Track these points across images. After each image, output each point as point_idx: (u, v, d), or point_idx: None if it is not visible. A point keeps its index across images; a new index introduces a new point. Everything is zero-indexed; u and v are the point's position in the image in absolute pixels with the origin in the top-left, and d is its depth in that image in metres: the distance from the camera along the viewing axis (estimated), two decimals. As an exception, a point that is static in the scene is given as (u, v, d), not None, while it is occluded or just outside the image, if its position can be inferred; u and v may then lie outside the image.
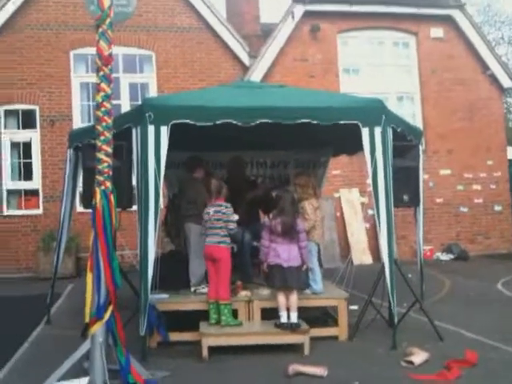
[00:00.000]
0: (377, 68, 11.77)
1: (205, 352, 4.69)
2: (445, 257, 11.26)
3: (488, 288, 7.91)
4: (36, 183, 10.78)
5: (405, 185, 5.51)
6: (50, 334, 5.72)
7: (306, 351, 4.76)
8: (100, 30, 4.20)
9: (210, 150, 7.07)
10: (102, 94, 4.20)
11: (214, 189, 5.25)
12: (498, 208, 11.97)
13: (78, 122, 10.74)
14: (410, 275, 6.54)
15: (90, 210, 4.25)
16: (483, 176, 11.90)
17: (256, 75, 10.94)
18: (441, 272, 9.37)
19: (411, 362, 4.46)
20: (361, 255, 10.79)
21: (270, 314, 5.16)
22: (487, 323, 5.75)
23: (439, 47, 11.93)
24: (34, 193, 10.78)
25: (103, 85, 4.19)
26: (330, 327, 5.43)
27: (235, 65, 11.38)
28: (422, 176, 6.26)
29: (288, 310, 4.98)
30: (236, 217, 5.21)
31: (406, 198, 5.59)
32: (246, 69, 11.24)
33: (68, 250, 8.73)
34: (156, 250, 4.78)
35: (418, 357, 4.52)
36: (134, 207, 5.06)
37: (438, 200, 11.63)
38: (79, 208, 8.56)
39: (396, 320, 5.02)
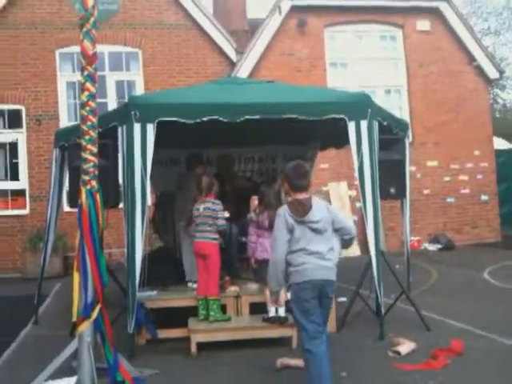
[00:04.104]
0: (364, 62, 11.77)
1: (193, 348, 4.71)
2: (432, 247, 11.34)
3: (474, 277, 7.99)
4: (23, 183, 10.71)
5: (391, 177, 5.56)
6: (37, 334, 5.72)
7: (295, 344, 4.79)
8: (84, 29, 4.19)
9: (198, 146, 7.06)
10: (86, 93, 4.19)
11: (205, 185, 5.27)
12: (484, 198, 12.05)
13: (65, 121, 10.67)
14: (397, 266, 6.62)
15: (76, 210, 4.25)
16: (470, 166, 11.96)
17: (243, 71, 10.93)
18: (428, 262, 9.44)
19: (398, 352, 4.52)
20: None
21: (258, 309, 5.20)
22: (473, 312, 5.82)
23: (426, 40, 11.94)
24: (21, 193, 10.70)
25: (88, 84, 4.19)
26: (319, 320, 5.46)
27: (222, 61, 11.34)
28: (409, 168, 6.32)
29: (276, 304, 5.01)
30: (226, 214, 5.25)
31: (392, 190, 5.65)
32: (233, 64, 11.22)
33: (55, 250, 8.64)
34: (144, 247, 4.78)
35: (405, 347, 4.58)
36: (121, 205, 5.06)
37: (426, 191, 11.70)
38: (66, 207, 8.53)
39: (383, 311, 5.08)
